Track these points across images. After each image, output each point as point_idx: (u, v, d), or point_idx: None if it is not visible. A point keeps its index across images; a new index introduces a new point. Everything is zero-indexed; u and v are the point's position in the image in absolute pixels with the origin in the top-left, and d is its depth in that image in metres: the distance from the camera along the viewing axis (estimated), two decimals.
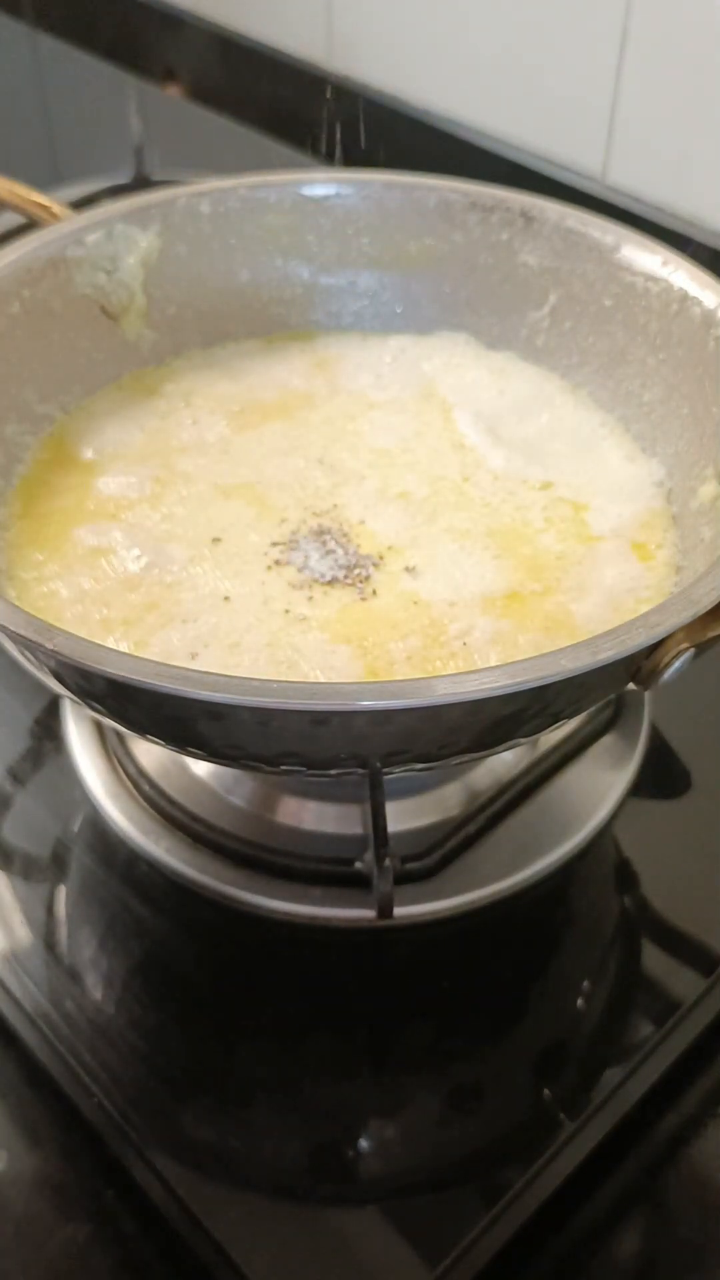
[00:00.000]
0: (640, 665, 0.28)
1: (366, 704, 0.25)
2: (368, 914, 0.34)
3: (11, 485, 0.37)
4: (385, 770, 0.29)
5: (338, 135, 0.71)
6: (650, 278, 0.38)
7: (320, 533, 0.36)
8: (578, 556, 0.35)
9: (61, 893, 0.36)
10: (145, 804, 0.37)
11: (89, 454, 0.39)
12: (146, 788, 0.37)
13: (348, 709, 0.25)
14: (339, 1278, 0.28)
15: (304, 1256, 0.29)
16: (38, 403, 0.39)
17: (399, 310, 0.44)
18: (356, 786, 0.33)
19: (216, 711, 0.26)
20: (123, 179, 0.65)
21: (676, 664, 0.27)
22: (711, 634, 0.27)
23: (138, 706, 0.27)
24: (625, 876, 0.37)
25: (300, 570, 0.34)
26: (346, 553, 0.35)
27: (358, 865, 0.35)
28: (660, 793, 0.39)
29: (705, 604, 0.27)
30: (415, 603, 0.33)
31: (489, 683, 0.25)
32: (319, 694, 0.25)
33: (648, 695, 0.40)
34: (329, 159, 0.70)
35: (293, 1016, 0.33)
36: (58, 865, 0.37)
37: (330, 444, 0.40)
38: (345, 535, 0.36)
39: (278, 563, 0.35)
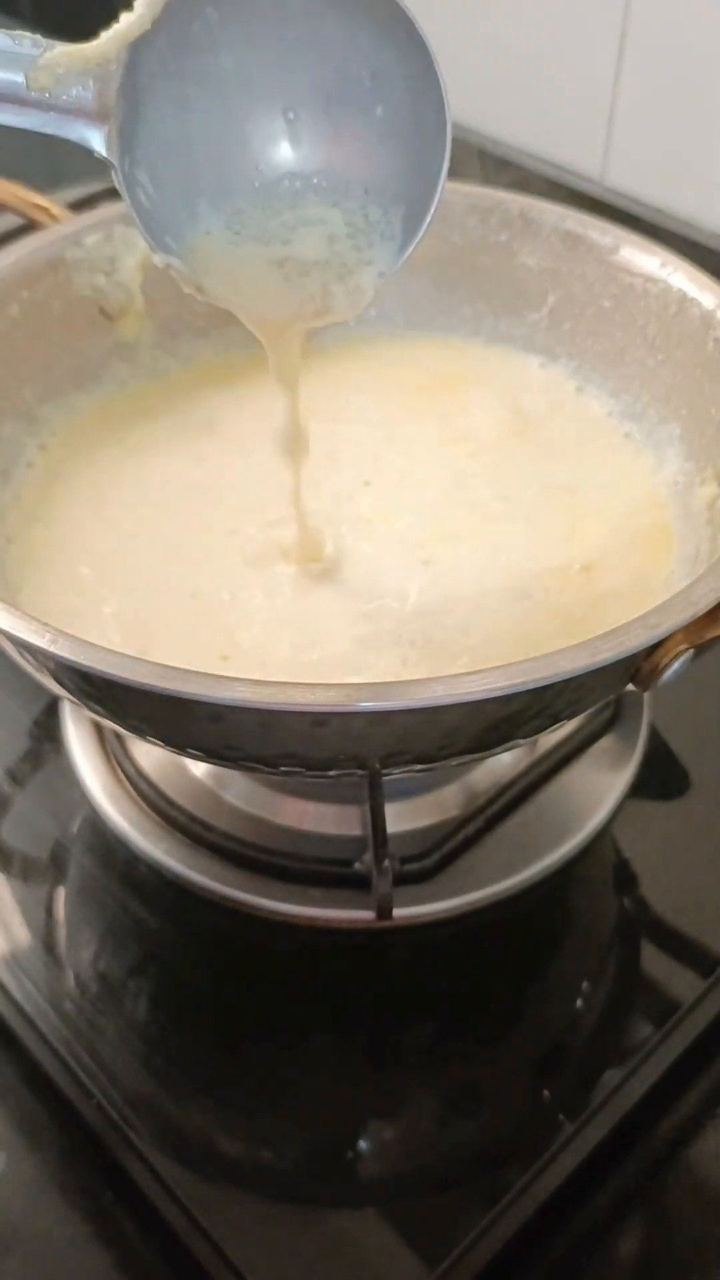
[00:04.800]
0: (639, 666, 0.28)
1: (365, 705, 0.25)
2: (367, 915, 0.34)
3: (10, 484, 0.37)
4: (384, 771, 0.29)
5: None
6: (649, 279, 0.38)
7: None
8: (575, 554, 0.35)
9: (61, 894, 0.36)
10: (144, 805, 0.37)
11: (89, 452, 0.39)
12: (145, 789, 0.37)
13: (347, 710, 0.25)
14: (338, 1279, 0.28)
15: (303, 1258, 0.29)
16: (36, 404, 0.39)
17: (398, 311, 0.44)
18: (356, 788, 0.33)
19: (216, 713, 0.26)
20: None
21: (675, 665, 0.27)
22: (710, 635, 0.27)
23: (136, 708, 0.27)
24: (624, 877, 0.37)
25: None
26: None
27: (357, 866, 0.35)
28: (659, 794, 0.39)
29: (704, 605, 0.27)
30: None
31: (488, 684, 0.25)
32: (318, 695, 0.25)
33: (647, 696, 0.40)
34: None
35: (292, 1017, 0.33)
36: (57, 866, 0.37)
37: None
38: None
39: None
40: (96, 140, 0.27)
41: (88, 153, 0.28)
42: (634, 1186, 0.30)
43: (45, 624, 0.26)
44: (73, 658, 0.25)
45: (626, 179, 0.60)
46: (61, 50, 0.27)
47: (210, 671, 0.25)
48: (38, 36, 0.27)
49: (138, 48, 0.27)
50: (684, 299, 0.37)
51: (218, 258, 0.29)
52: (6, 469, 0.37)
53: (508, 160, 0.64)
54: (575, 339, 0.41)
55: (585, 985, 0.34)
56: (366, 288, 0.29)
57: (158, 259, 0.28)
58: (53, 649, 0.26)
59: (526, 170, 0.63)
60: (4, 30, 0.27)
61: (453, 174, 0.43)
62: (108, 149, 0.27)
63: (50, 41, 0.27)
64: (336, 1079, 0.32)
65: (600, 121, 0.59)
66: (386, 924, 0.34)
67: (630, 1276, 0.29)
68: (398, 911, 0.34)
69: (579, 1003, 0.34)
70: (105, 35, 0.27)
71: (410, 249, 0.29)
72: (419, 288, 0.43)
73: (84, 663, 0.25)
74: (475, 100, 0.65)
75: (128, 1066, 0.32)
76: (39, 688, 0.30)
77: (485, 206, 0.41)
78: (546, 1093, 0.31)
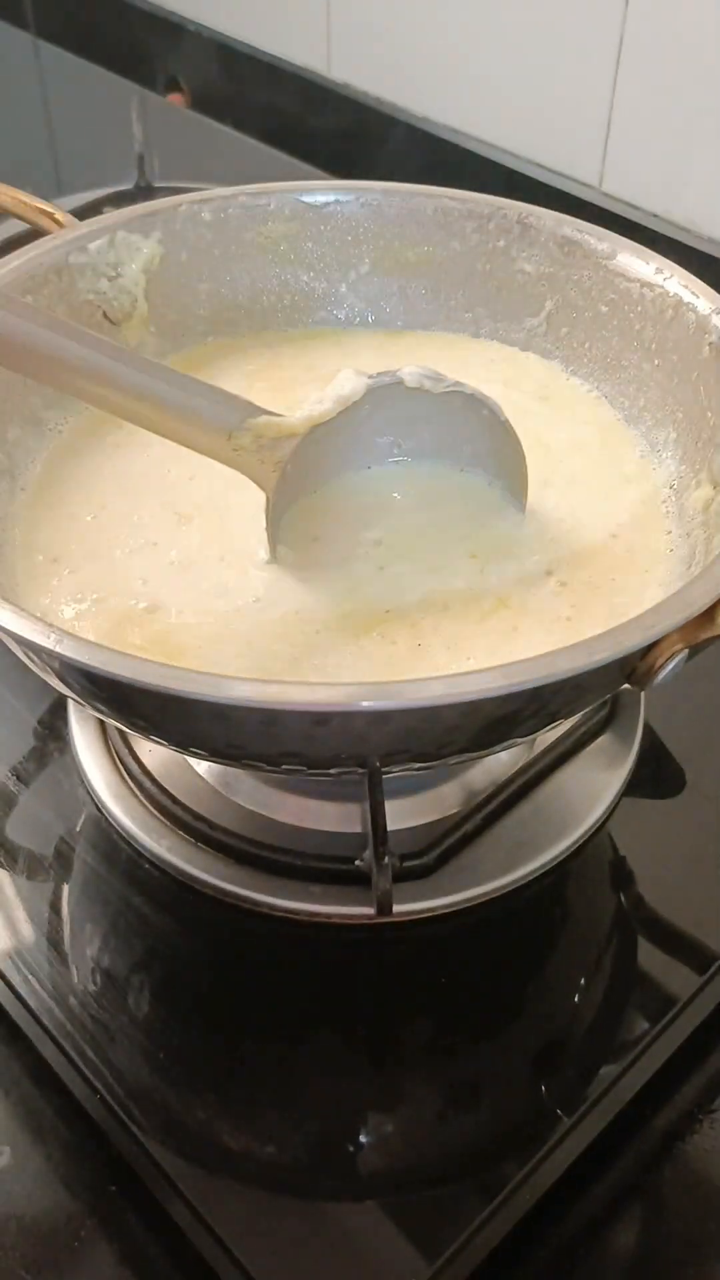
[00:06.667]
0: (635, 666, 0.28)
1: (366, 704, 0.25)
2: (367, 911, 0.34)
3: (15, 485, 0.38)
4: (384, 769, 0.30)
5: (337, 144, 0.72)
6: (645, 284, 0.39)
7: None
8: (573, 556, 0.36)
9: (65, 891, 0.37)
10: (148, 803, 0.37)
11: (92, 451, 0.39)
12: (149, 786, 0.38)
13: (348, 709, 0.25)
14: (339, 1272, 0.29)
15: (305, 1250, 0.29)
16: (42, 408, 0.40)
17: (397, 316, 0.44)
18: (356, 785, 0.34)
19: (218, 712, 0.26)
20: (125, 187, 0.66)
21: (671, 665, 0.28)
22: (705, 636, 0.28)
23: (140, 707, 0.28)
24: (621, 874, 0.37)
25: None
26: None
27: (357, 863, 0.35)
28: (655, 792, 0.39)
29: (700, 606, 0.27)
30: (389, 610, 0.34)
31: (487, 683, 0.25)
32: (320, 694, 0.26)
33: (643, 695, 0.41)
34: (328, 167, 0.71)
35: (293, 1012, 0.34)
36: (61, 863, 0.37)
37: None
38: None
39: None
40: (253, 475, 0.33)
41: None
42: (630, 1180, 0.31)
43: (50, 624, 0.26)
44: (76, 658, 0.26)
45: (623, 185, 0.60)
46: (266, 421, 0.33)
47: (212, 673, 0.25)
48: (250, 402, 0.32)
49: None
50: (679, 304, 0.37)
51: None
52: (13, 471, 0.38)
53: (505, 166, 0.64)
54: (572, 344, 0.42)
55: (582, 981, 0.35)
56: None
57: (269, 553, 0.34)
58: (57, 649, 0.26)
59: (524, 176, 0.63)
60: (223, 391, 0.32)
61: (451, 179, 0.44)
62: (267, 487, 0.33)
63: (260, 409, 0.33)
64: (337, 1073, 0.32)
65: (598, 128, 0.60)
66: (386, 920, 0.34)
67: (627, 1269, 0.30)
68: (398, 907, 0.34)
69: (576, 998, 0.34)
70: (300, 416, 0.33)
71: None
72: (417, 293, 0.44)
73: (88, 663, 0.26)
74: (474, 107, 0.65)
75: (131, 1061, 0.32)
76: (44, 687, 0.30)
77: (483, 213, 0.42)
78: (544, 1087, 0.32)
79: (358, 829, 0.36)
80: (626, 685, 0.29)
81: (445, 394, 0.34)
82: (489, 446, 0.36)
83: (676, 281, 0.38)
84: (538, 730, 0.30)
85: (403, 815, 0.36)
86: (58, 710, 0.41)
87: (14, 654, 0.29)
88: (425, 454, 0.36)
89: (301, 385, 0.41)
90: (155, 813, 0.37)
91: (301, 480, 0.35)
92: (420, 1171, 0.30)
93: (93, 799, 0.38)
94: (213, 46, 0.77)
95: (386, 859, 0.33)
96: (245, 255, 0.43)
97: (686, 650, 0.28)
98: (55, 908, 0.36)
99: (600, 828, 0.38)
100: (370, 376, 0.34)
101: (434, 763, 0.29)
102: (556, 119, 0.62)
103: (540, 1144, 0.30)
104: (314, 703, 0.25)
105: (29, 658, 0.29)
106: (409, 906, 0.35)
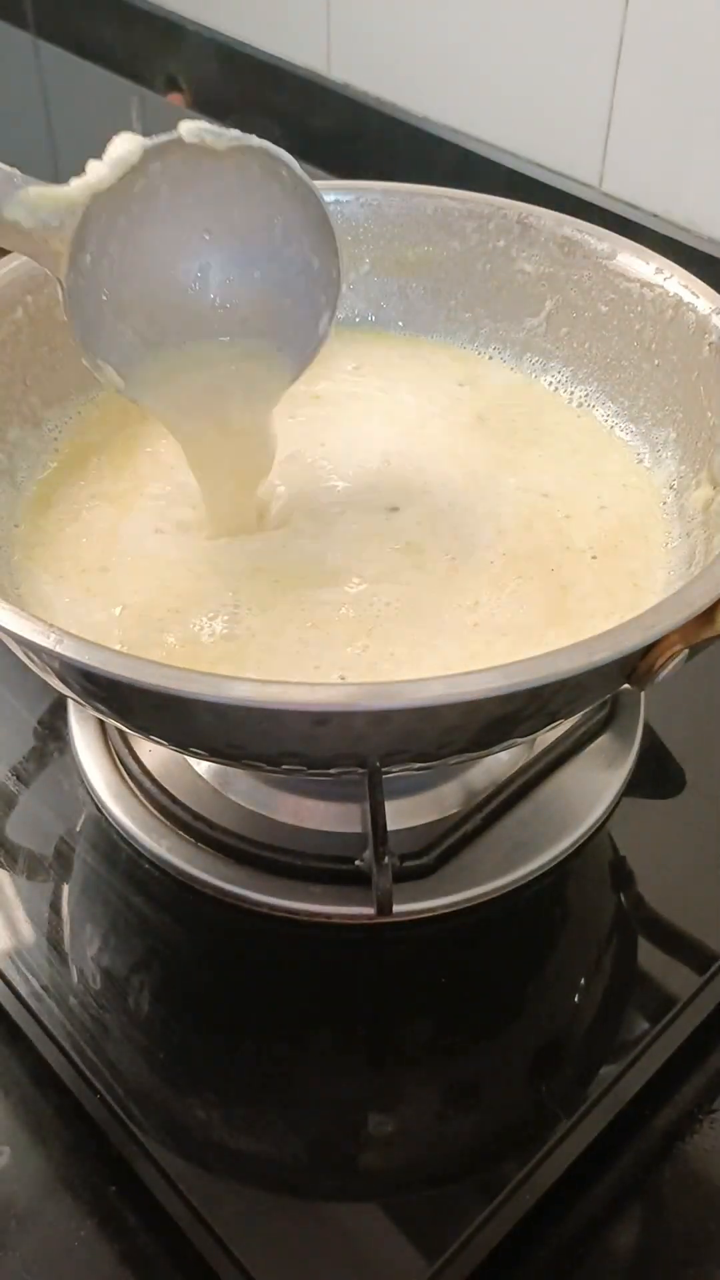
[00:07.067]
0: (635, 666, 0.28)
1: (365, 704, 0.25)
2: (367, 911, 0.34)
3: (16, 487, 0.38)
4: (384, 769, 0.30)
5: (337, 144, 0.72)
6: (645, 284, 0.39)
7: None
8: (572, 556, 0.36)
9: (65, 891, 0.37)
10: (148, 803, 0.38)
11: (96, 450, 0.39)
12: (149, 786, 0.38)
13: (348, 709, 0.26)
14: (339, 1272, 0.29)
15: (304, 1251, 0.29)
16: (42, 407, 0.40)
17: (397, 316, 0.44)
18: (356, 785, 0.34)
19: (218, 712, 0.26)
20: None
21: (671, 665, 0.28)
22: (705, 635, 0.28)
23: (140, 707, 0.28)
24: (621, 875, 0.38)
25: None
26: None
27: (358, 863, 0.35)
28: (655, 792, 0.40)
29: (699, 606, 0.28)
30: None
31: (486, 683, 0.25)
32: (319, 694, 0.26)
33: (643, 695, 0.41)
34: (328, 167, 0.71)
35: (293, 1012, 0.34)
36: (61, 864, 0.37)
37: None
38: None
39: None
40: (47, 262, 0.32)
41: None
42: (630, 1180, 0.31)
43: (50, 625, 0.27)
44: (77, 658, 0.26)
45: (623, 185, 0.61)
46: (39, 191, 0.31)
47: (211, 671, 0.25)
48: (17, 172, 0.31)
49: (96, 198, 0.31)
50: (679, 304, 0.38)
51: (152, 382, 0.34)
52: (13, 470, 0.38)
53: (505, 166, 0.64)
54: (572, 344, 0.42)
55: (582, 981, 0.35)
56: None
57: (86, 362, 0.33)
58: (58, 649, 0.26)
59: (524, 176, 0.63)
60: None
61: (451, 179, 0.44)
62: (59, 272, 0.32)
63: (29, 179, 0.31)
64: (337, 1073, 0.32)
65: (598, 128, 0.60)
66: (386, 919, 0.34)
67: (627, 1269, 0.30)
68: (397, 907, 0.34)
69: (576, 998, 0.34)
70: (76, 183, 0.31)
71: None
72: (417, 293, 0.44)
73: (88, 663, 0.26)
74: (473, 106, 0.65)
75: (131, 1061, 0.32)
76: (44, 687, 0.30)
77: (483, 213, 0.42)
78: (544, 1087, 0.32)
79: (358, 829, 0.36)
80: (626, 685, 0.29)
81: (242, 160, 0.32)
82: (300, 218, 0.34)
83: (676, 281, 0.38)
84: (538, 730, 0.30)
85: (403, 815, 0.36)
86: (58, 710, 0.41)
87: (14, 654, 0.29)
88: (238, 233, 0.34)
89: (301, 384, 0.41)
90: (155, 813, 0.37)
91: (115, 279, 0.33)
92: (420, 1171, 0.31)
93: (93, 799, 0.38)
94: (213, 46, 0.77)
95: (386, 859, 0.33)
96: None
97: (686, 650, 0.28)
98: (55, 908, 0.36)
99: (600, 828, 0.38)
100: (148, 139, 0.32)
101: (434, 763, 0.29)
102: (556, 119, 0.62)
103: (540, 1144, 0.30)
104: (314, 703, 0.25)
105: (29, 658, 0.29)
106: (409, 906, 0.35)
